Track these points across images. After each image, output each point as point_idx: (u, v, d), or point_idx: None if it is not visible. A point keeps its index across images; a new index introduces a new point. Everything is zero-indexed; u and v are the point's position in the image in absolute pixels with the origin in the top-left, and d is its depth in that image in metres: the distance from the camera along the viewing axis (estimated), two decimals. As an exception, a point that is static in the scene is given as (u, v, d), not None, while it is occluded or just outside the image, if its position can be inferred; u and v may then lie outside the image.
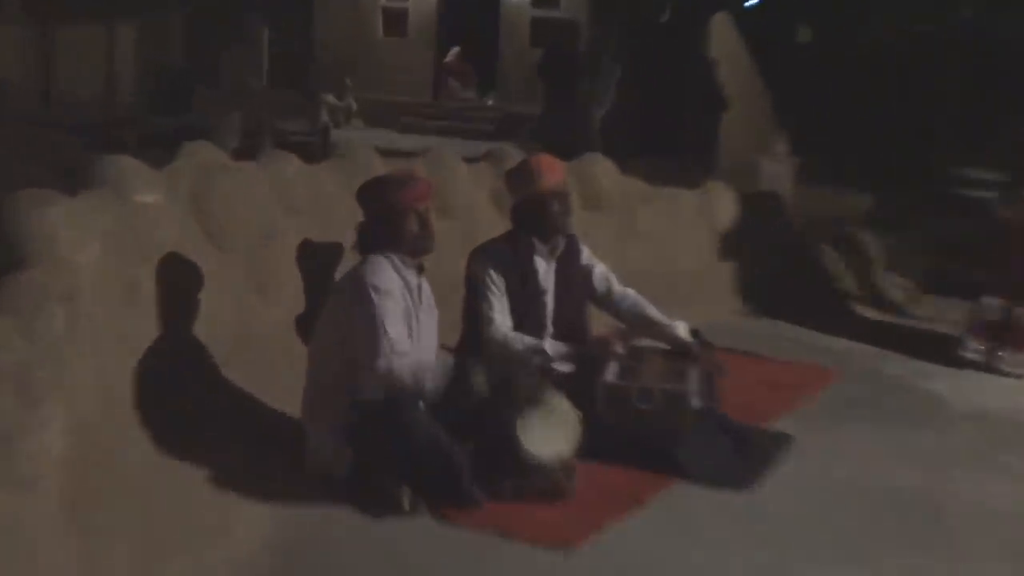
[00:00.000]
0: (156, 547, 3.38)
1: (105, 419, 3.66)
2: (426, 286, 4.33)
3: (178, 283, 4.43)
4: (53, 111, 16.25)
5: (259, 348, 4.81)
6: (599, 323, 5.37)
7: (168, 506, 3.68)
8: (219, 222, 4.80)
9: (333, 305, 4.26)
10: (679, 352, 4.81)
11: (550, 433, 4.10)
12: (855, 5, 12.59)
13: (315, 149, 11.75)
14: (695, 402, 4.53)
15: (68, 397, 3.13)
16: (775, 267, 7.62)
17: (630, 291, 5.06)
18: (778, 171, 9.21)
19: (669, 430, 4.46)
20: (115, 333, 3.92)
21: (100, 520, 3.19)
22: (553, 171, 4.91)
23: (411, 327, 4.14)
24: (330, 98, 16.43)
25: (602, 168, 7.10)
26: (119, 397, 3.96)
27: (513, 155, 6.68)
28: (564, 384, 4.47)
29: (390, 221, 4.18)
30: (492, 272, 4.78)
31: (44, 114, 15.67)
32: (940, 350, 6.62)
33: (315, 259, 5.10)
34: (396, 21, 19.90)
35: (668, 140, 12.39)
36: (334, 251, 5.04)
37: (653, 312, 4.97)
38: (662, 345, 4.93)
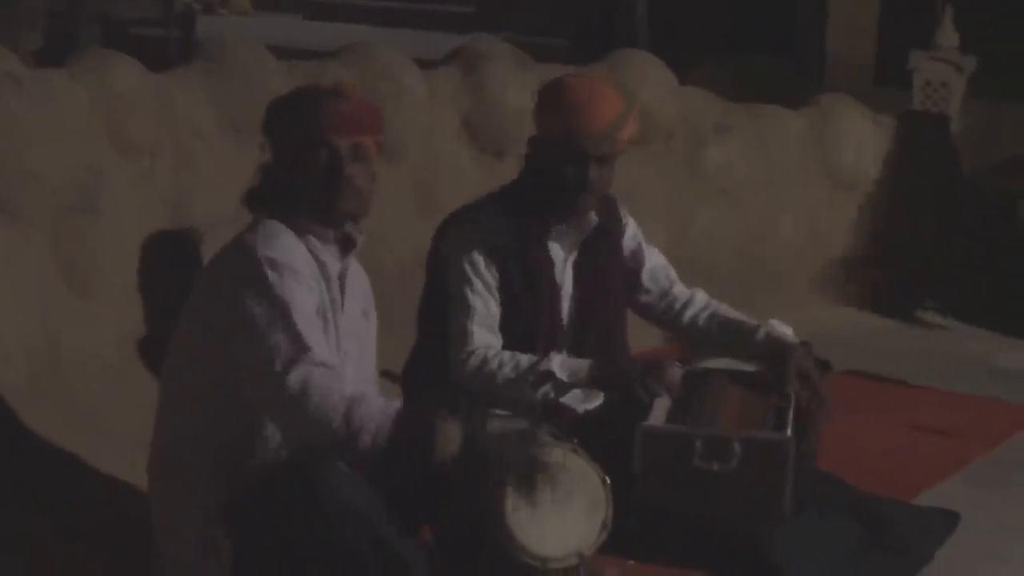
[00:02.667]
0: None
1: None
2: (359, 275, 4.32)
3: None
4: None
5: (72, 373, 4.84)
6: (643, 339, 5.42)
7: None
8: (13, 174, 4.84)
9: (200, 300, 4.23)
10: (771, 382, 4.82)
11: (558, 516, 4.13)
12: None
13: (170, 48, 11.78)
14: (806, 464, 4.58)
15: None
16: (936, 237, 7.73)
17: (700, 293, 5.10)
18: (944, 76, 9.27)
19: (756, 507, 4.52)
20: None
21: None
22: (606, 107, 4.75)
23: (329, 331, 4.12)
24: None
25: (650, 75, 7.21)
26: None
27: (497, 55, 6.73)
28: (585, 432, 4.50)
29: (296, 164, 4.17)
30: (478, 258, 4.76)
31: None
32: None
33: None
34: None
35: (762, 28, 12.49)
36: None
37: (738, 317, 5.02)
38: (745, 367, 4.96)
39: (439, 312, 4.81)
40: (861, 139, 7.79)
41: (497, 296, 4.74)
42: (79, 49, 6.97)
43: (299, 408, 3.85)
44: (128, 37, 11.12)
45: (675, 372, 4.78)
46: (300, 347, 3.85)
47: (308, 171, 4.12)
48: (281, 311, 3.91)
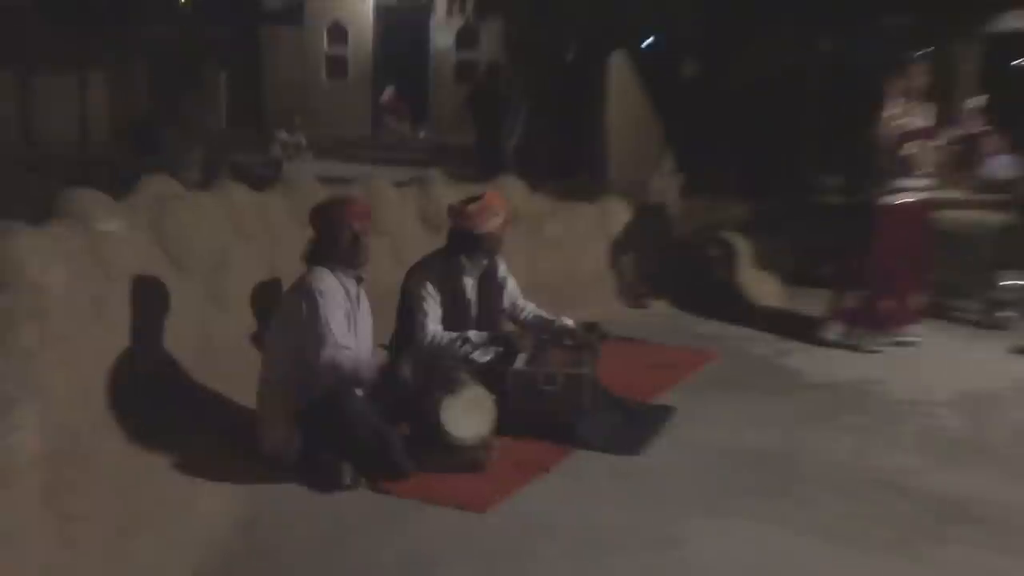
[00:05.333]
0: (128, 526, 3.39)
1: (80, 420, 3.65)
2: (363, 294, 4.38)
3: (142, 300, 4.41)
4: (33, 152, 15.94)
5: (218, 355, 4.82)
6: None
7: (138, 490, 3.69)
8: (177, 246, 4.79)
9: (284, 309, 4.29)
10: (575, 344, 4.90)
11: (469, 415, 4.17)
12: (732, 46, 12.72)
13: (269, 182, 11.68)
14: (589, 383, 4.64)
15: (42, 402, 3.13)
16: (663, 267, 7.71)
17: (530, 304, 5.11)
18: (665, 186, 9.28)
19: (569, 407, 4.57)
20: (86, 346, 3.91)
21: (76, 506, 3.19)
22: (492, 214, 4.84)
23: (350, 326, 4.19)
24: (282, 134, 16.30)
25: (515, 188, 7.14)
26: (93, 400, 3.95)
27: (436, 180, 6.74)
28: (482, 372, 4.55)
29: (331, 236, 4.24)
30: (428, 285, 4.78)
31: (25, 155, 15.35)
32: (800, 332, 6.72)
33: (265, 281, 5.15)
34: (337, 66, 19.88)
35: (573, 162, 12.44)
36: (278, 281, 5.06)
37: (547, 315, 5.05)
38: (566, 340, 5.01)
39: (408, 315, 4.85)
40: (623, 218, 7.70)
41: (439, 304, 4.79)
42: (217, 180, 6.91)
43: (331, 364, 3.93)
44: (246, 174, 10.98)
45: (528, 339, 4.86)
46: (331, 336, 3.89)
47: (339, 241, 4.20)
48: (324, 318, 3.99)
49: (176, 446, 4.13)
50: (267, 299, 4.98)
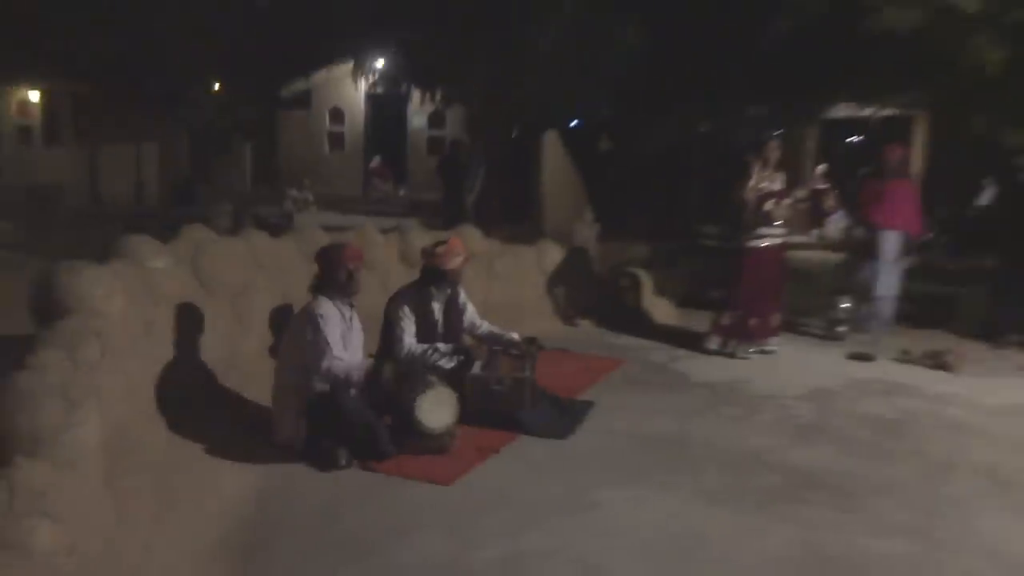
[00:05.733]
0: (168, 500, 3.31)
1: (132, 417, 3.57)
2: (356, 316, 4.32)
3: (182, 321, 4.34)
4: (98, 208, 15.71)
5: (241, 363, 4.73)
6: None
7: (177, 472, 3.60)
8: (210, 278, 4.73)
9: (294, 328, 4.22)
10: (520, 353, 4.88)
11: (437, 409, 4.13)
12: (636, 127, 12.84)
13: (283, 229, 11.52)
14: (529, 384, 4.61)
15: (103, 403, 3.05)
16: (586, 294, 7.72)
17: (485, 322, 5.06)
18: (587, 232, 9.29)
19: (515, 403, 4.54)
20: (137, 358, 3.82)
21: (128, 485, 3.10)
22: (455, 255, 4.83)
23: (345, 342, 4.13)
24: (293, 192, 16.11)
25: (473, 234, 7.10)
26: (142, 402, 3.86)
27: (413, 229, 6.69)
28: (447, 376, 4.51)
29: (331, 273, 4.19)
30: (405, 308, 4.75)
31: (93, 209, 15.13)
32: (689, 343, 6.72)
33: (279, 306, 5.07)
34: (337, 140, 19.81)
35: (517, 214, 12.48)
36: (289, 306, 4.97)
37: (496, 330, 4.99)
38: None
39: (390, 331, 4.79)
40: (555, 257, 7.69)
41: (414, 323, 4.74)
42: (242, 228, 6.78)
43: (329, 371, 3.86)
44: (265, 223, 10.81)
45: (482, 350, 4.82)
46: (329, 349, 3.86)
47: (337, 276, 4.14)
48: (324, 336, 3.92)
49: (208, 436, 4.04)
50: (280, 320, 4.89)
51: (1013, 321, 6.97)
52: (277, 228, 8.40)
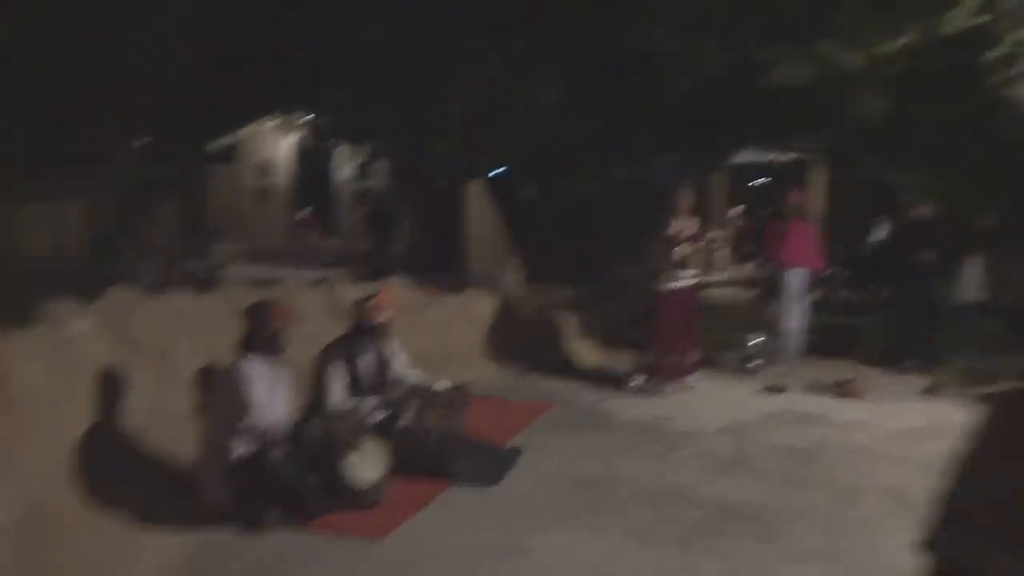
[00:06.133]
0: (91, 574, 3.14)
1: (50, 489, 3.38)
2: (284, 371, 4.22)
3: (104, 385, 4.16)
4: (18, 267, 14.97)
5: (166, 426, 4.54)
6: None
7: (100, 542, 3.42)
8: (133, 339, 4.55)
9: (220, 386, 4.10)
10: (448, 402, 4.83)
11: (366, 464, 4.06)
12: (556, 174, 13.05)
13: (210, 282, 11.22)
14: (459, 434, 4.58)
15: (17, 477, 2.89)
16: (513, 340, 7.71)
17: (415, 372, 5.00)
18: (512, 279, 9.37)
19: (444, 453, 4.49)
20: (56, 426, 3.64)
21: (48, 561, 2.93)
22: (385, 309, 4.81)
23: (272, 400, 4.03)
24: (221, 245, 15.75)
25: (401, 284, 7.07)
26: (62, 472, 3.66)
27: (341, 281, 6.60)
28: (376, 429, 4.44)
29: (259, 330, 4.10)
30: (334, 362, 4.68)
31: (11, 270, 14.41)
32: (613, 383, 6.77)
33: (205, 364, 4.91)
34: (264, 192, 19.55)
35: (444, 262, 12.48)
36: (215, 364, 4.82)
37: (426, 381, 4.93)
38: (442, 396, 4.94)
39: (319, 386, 4.72)
40: (478, 305, 7.67)
41: (343, 377, 4.68)
42: (171, 285, 6.55)
43: (254, 430, 3.79)
44: (192, 277, 10.51)
45: (412, 400, 4.77)
46: (254, 408, 3.80)
47: (264, 333, 4.06)
48: (249, 395, 3.85)
49: (132, 503, 3.85)
50: (206, 379, 4.73)
51: (910, 347, 7.28)
52: (204, 282, 8.17)
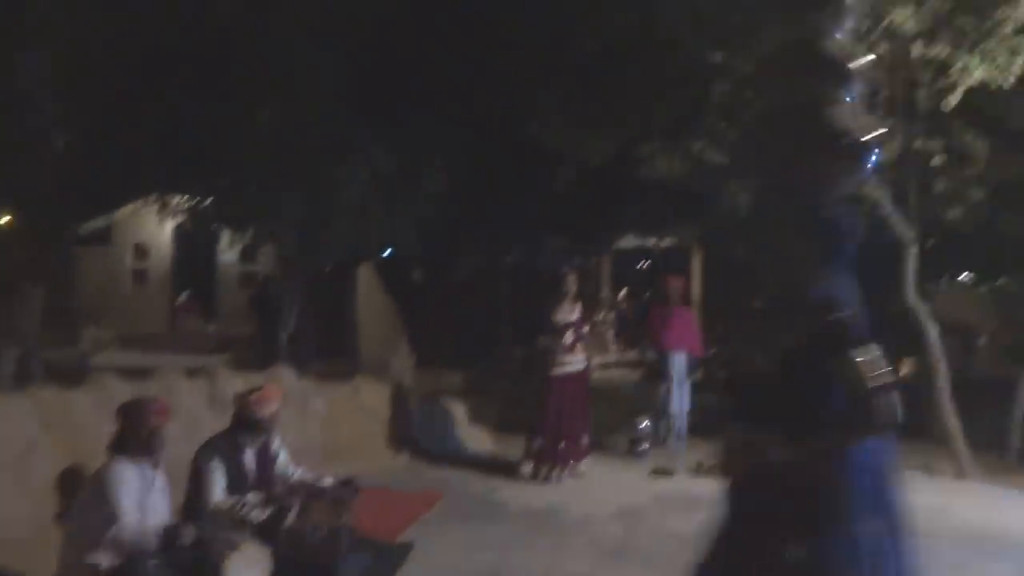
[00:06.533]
0: None
1: None
2: (159, 475, 3.97)
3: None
4: None
5: (21, 535, 4.19)
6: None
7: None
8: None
9: (87, 492, 3.81)
10: (335, 498, 4.66)
11: (248, 570, 3.85)
12: (447, 258, 13.18)
13: (77, 372, 10.53)
14: (347, 531, 4.42)
15: None
16: (403, 428, 7.58)
17: (300, 468, 4.75)
18: (403, 364, 9.27)
19: (330, 553, 4.30)
20: None
21: None
22: (270, 403, 4.57)
23: (145, 507, 3.77)
24: (90, 332, 14.88)
25: (287, 373, 6.91)
26: None
27: (223, 371, 6.37)
28: (258, 530, 4.22)
29: (133, 431, 3.86)
30: (214, 460, 4.41)
31: None
32: (504, 471, 6.72)
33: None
34: (141, 276, 18.73)
35: (332, 347, 12.23)
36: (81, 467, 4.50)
37: (311, 476, 4.71)
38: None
39: (197, 485, 4.47)
40: (367, 393, 7.54)
41: (223, 475, 4.45)
42: (33, 378, 6.12)
43: (123, 540, 3.56)
44: (57, 367, 9.83)
45: (296, 498, 4.58)
46: (124, 517, 3.56)
47: (139, 434, 3.85)
48: (119, 502, 3.62)
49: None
50: (70, 484, 4.41)
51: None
52: (71, 373, 7.69)
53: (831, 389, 2.31)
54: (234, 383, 5.82)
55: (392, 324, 12.62)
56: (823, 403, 2.32)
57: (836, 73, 2.60)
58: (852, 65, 2.63)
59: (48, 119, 9.67)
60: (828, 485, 2.29)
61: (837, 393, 2.31)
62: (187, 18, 8.88)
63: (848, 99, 2.60)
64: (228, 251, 17.80)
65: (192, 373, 6.36)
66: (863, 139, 2.55)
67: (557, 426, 6.54)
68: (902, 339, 8.34)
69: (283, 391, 5.09)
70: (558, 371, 6.56)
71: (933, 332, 6.43)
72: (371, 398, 7.53)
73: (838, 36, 2.68)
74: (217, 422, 4.96)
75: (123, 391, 5.16)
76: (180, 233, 17.51)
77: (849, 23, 2.77)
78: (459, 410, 7.91)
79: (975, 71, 4.93)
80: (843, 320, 2.35)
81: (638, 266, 17.65)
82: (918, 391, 7.43)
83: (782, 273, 2.57)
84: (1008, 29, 4.89)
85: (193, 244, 17.99)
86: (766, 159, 2.75)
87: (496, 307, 13.07)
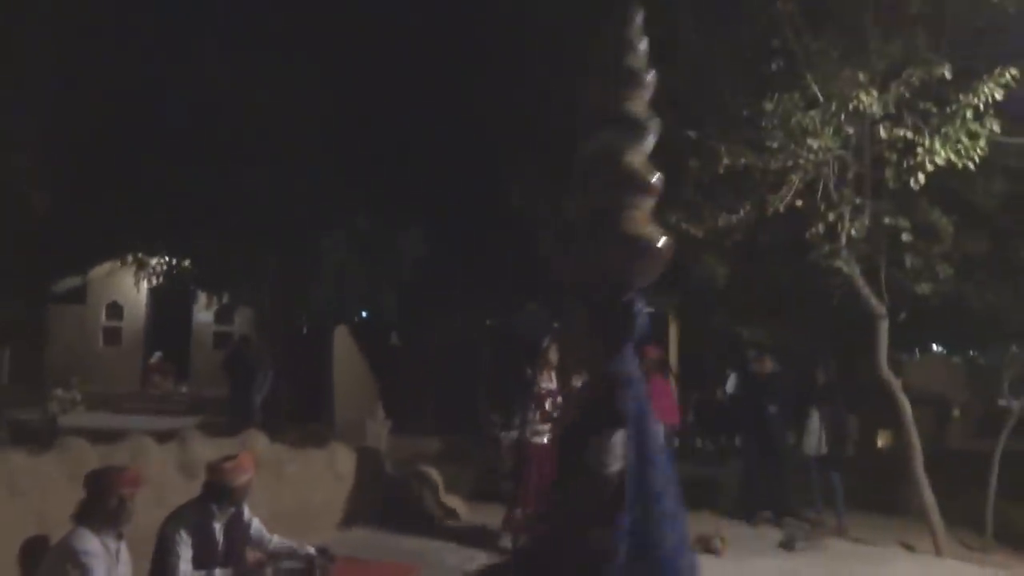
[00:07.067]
0: None
1: None
2: (124, 547, 3.87)
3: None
4: None
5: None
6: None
7: None
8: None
9: (49, 564, 3.71)
10: (309, 567, 4.56)
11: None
12: (425, 322, 13.19)
13: (44, 434, 10.32)
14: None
15: None
16: (378, 496, 7.47)
17: (274, 536, 4.67)
18: (378, 430, 9.19)
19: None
20: None
21: None
22: (244, 472, 4.45)
23: (109, 577, 3.69)
24: (59, 391, 14.53)
25: (260, 439, 6.76)
26: None
27: (194, 436, 6.27)
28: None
29: (100, 500, 3.77)
30: (182, 532, 4.28)
31: None
32: (482, 541, 6.60)
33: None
34: (113, 335, 18.49)
35: (307, 410, 12.13)
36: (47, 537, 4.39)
37: (286, 544, 4.62)
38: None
39: (162, 557, 4.34)
40: (342, 459, 7.45)
41: (190, 547, 4.33)
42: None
43: None
44: (23, 428, 9.66)
45: (269, 568, 4.49)
46: None
47: (107, 504, 3.78)
48: (84, 573, 3.52)
49: None
50: (34, 554, 4.28)
51: (763, 499, 7.60)
52: (38, 434, 7.54)
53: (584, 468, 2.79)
54: (206, 449, 5.74)
55: (368, 388, 12.53)
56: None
57: (635, 185, 2.97)
58: (652, 179, 3.01)
59: (27, 179, 9.70)
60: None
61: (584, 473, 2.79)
62: (169, 83, 9.04)
63: (645, 207, 3.00)
64: (204, 311, 17.75)
65: (163, 437, 6.23)
66: (656, 244, 2.95)
67: (537, 496, 6.45)
68: (877, 410, 8.45)
69: (256, 460, 5.01)
70: (537, 440, 6.52)
71: (906, 405, 6.51)
72: (346, 464, 7.42)
73: (640, 150, 3.04)
74: (187, 489, 4.87)
75: (92, 456, 5.07)
76: (156, 293, 17.43)
77: (652, 141, 3.11)
78: (435, 477, 7.80)
79: (939, 154, 5.14)
80: (616, 398, 2.82)
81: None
82: (894, 464, 7.49)
83: (584, 351, 3.02)
84: (968, 114, 5.12)
85: (168, 304, 17.87)
86: (569, 258, 3.14)
87: (474, 373, 13.03)
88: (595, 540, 2.75)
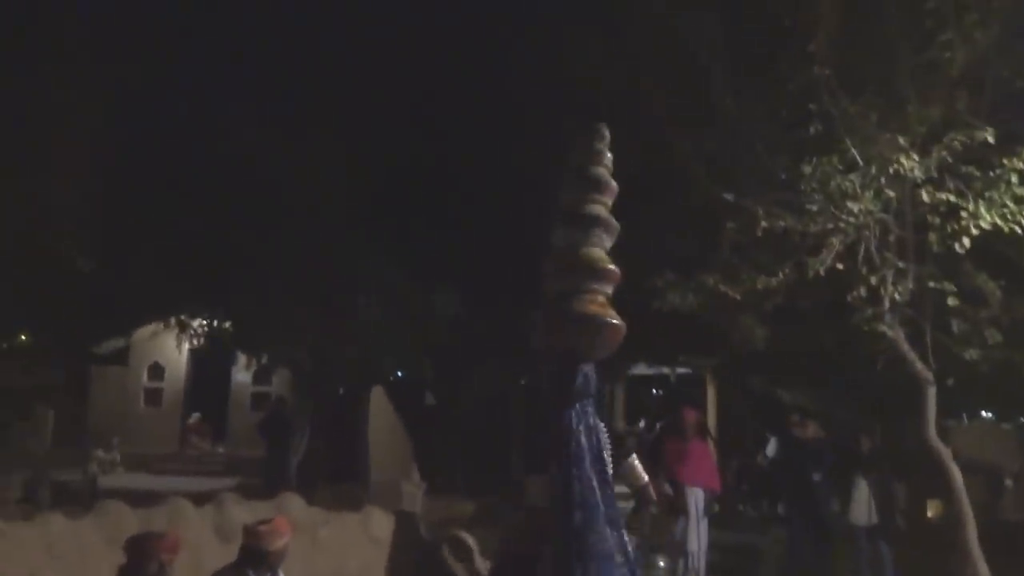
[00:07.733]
0: None
1: None
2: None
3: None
4: None
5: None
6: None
7: None
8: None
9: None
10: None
11: None
12: (458, 382, 13.14)
13: (84, 495, 10.36)
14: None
15: None
16: (415, 559, 7.33)
17: None
18: (414, 492, 9.07)
19: None
20: None
21: None
22: (280, 536, 4.45)
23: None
24: (99, 452, 14.69)
25: (295, 502, 6.71)
26: None
27: (231, 500, 6.25)
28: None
29: (140, 566, 3.77)
30: None
31: None
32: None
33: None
34: (154, 396, 18.69)
35: (343, 471, 12.05)
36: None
37: None
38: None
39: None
40: (377, 523, 7.31)
41: None
42: (41, 502, 6.02)
43: None
44: (64, 489, 9.70)
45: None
46: None
47: (146, 570, 3.77)
48: None
49: None
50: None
51: (808, 568, 7.32)
52: (78, 495, 7.56)
53: None
54: (242, 512, 5.69)
55: (403, 448, 12.45)
56: None
57: (593, 273, 3.45)
58: (607, 267, 3.46)
59: (72, 244, 9.97)
60: None
61: None
62: (207, 147, 9.30)
63: (601, 291, 3.44)
64: (243, 372, 17.91)
65: (199, 500, 6.22)
66: (610, 321, 3.38)
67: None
68: (924, 478, 8.15)
69: (292, 524, 4.97)
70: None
71: (957, 474, 6.26)
72: (382, 528, 7.30)
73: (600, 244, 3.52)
74: (224, 553, 4.83)
75: (131, 519, 5.06)
76: (196, 354, 17.65)
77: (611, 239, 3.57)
78: (470, 543, 7.64)
79: (984, 218, 5.05)
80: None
81: (653, 393, 17.47)
82: (944, 535, 7.17)
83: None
84: (1014, 178, 5.04)
85: (208, 365, 18.08)
86: (537, 331, 3.61)
87: (508, 433, 12.91)
88: None
